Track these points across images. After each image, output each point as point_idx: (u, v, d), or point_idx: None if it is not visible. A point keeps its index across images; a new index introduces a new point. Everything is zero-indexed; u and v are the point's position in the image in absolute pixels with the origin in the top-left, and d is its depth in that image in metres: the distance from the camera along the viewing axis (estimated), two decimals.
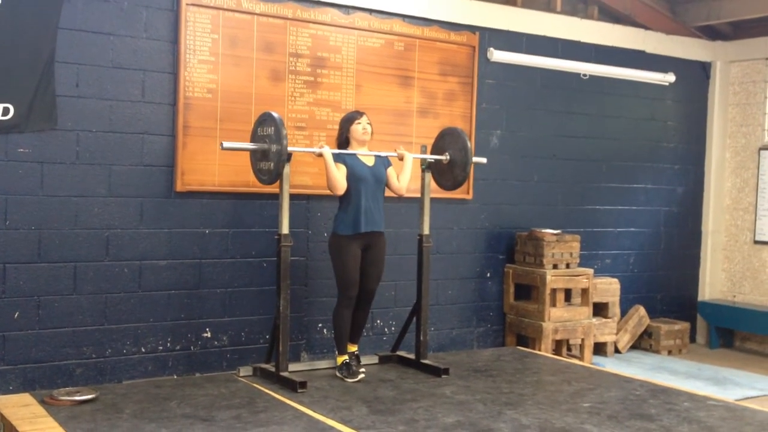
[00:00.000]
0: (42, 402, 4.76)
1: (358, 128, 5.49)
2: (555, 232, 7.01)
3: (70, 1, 5.14)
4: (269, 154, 5.19)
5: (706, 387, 6.34)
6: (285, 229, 5.34)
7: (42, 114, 5.07)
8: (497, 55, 6.93)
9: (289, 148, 5.16)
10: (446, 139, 5.98)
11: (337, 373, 5.48)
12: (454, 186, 5.98)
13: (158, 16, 5.47)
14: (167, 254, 5.57)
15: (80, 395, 4.85)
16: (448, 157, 5.89)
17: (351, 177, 5.38)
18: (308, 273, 6.13)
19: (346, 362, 5.47)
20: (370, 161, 5.53)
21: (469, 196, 6.86)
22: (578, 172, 7.58)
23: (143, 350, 5.50)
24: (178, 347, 5.63)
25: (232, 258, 5.81)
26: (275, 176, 5.21)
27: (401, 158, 5.71)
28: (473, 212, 6.96)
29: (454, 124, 6.68)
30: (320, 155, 5.36)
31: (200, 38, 5.60)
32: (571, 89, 7.47)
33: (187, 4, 5.52)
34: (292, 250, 5.45)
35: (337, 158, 5.40)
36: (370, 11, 6.31)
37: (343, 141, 5.56)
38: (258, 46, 5.84)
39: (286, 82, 5.97)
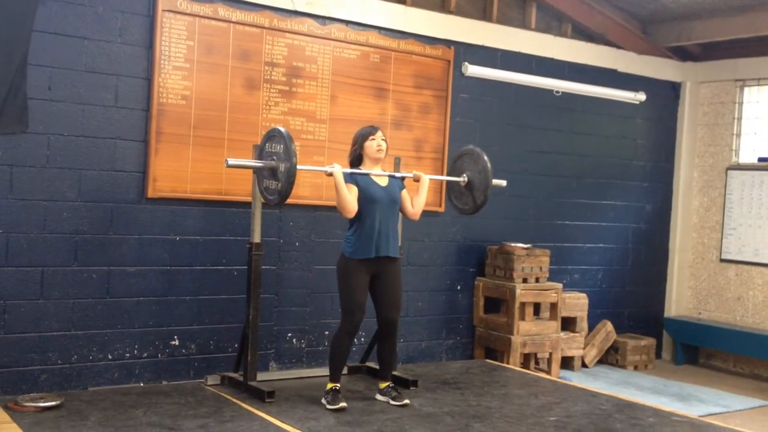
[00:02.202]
0: (6, 408, 4.70)
1: (372, 145, 5.16)
2: (525, 246, 7.06)
3: (45, 4, 5.10)
4: (277, 173, 4.93)
5: (671, 403, 6.41)
6: (257, 237, 5.34)
7: (13, 117, 5.01)
8: (472, 70, 6.98)
9: (298, 167, 4.88)
10: (465, 160, 5.77)
11: (322, 399, 5.15)
12: (474, 210, 5.74)
13: (133, 22, 5.44)
14: (136, 260, 5.52)
15: (45, 402, 4.80)
16: (466, 179, 5.71)
17: (363, 199, 5.06)
18: (279, 282, 6.11)
19: (334, 389, 5.12)
20: (383, 181, 5.21)
21: (441, 209, 6.89)
22: (549, 187, 7.65)
23: (110, 357, 5.45)
24: (145, 355, 5.58)
25: (202, 266, 5.78)
26: (284, 196, 4.91)
27: (417, 180, 5.44)
28: (445, 225, 7.00)
29: (427, 137, 6.74)
30: (330, 174, 5.04)
31: (175, 44, 5.58)
32: (543, 105, 7.54)
33: (163, 10, 5.50)
34: (263, 259, 5.44)
35: (349, 178, 5.07)
36: (347, 23, 6.34)
37: (356, 158, 5.24)
38: (234, 54, 5.83)
39: (261, 91, 5.97)
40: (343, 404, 5.03)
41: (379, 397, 5.35)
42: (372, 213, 5.08)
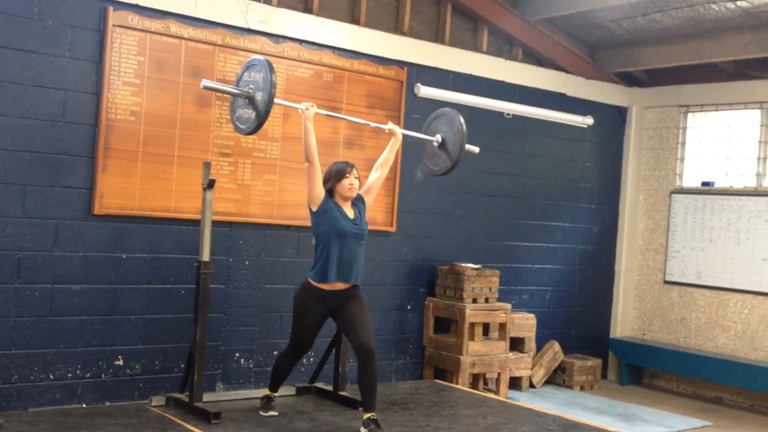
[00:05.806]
0: None
1: (345, 183, 5.08)
2: (475, 266, 7.11)
3: None
4: (254, 102, 4.92)
5: (616, 423, 6.49)
6: (206, 256, 5.28)
7: None
8: (424, 91, 7.04)
9: (276, 100, 4.90)
10: (440, 121, 5.76)
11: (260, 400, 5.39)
12: (445, 171, 5.72)
13: (83, 36, 5.37)
14: (81, 278, 5.41)
15: None
16: (440, 140, 5.68)
17: (329, 230, 5.03)
18: (227, 301, 6.05)
19: (269, 396, 5.35)
20: (351, 213, 5.15)
21: (393, 229, 6.91)
22: (499, 208, 7.72)
23: (51, 377, 5.32)
24: (88, 375, 5.46)
25: (148, 284, 5.69)
26: (258, 126, 4.94)
27: (391, 133, 5.46)
28: (396, 245, 7.01)
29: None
30: (304, 114, 5.03)
31: (126, 60, 5.52)
32: (494, 127, 7.63)
33: (113, 25, 5.43)
34: (211, 278, 5.38)
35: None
36: (300, 42, 6.34)
37: (328, 192, 5.14)
38: (185, 71, 5.79)
39: (213, 108, 5.93)
40: (273, 413, 5.12)
41: (363, 430, 5.01)
42: (334, 241, 5.03)
